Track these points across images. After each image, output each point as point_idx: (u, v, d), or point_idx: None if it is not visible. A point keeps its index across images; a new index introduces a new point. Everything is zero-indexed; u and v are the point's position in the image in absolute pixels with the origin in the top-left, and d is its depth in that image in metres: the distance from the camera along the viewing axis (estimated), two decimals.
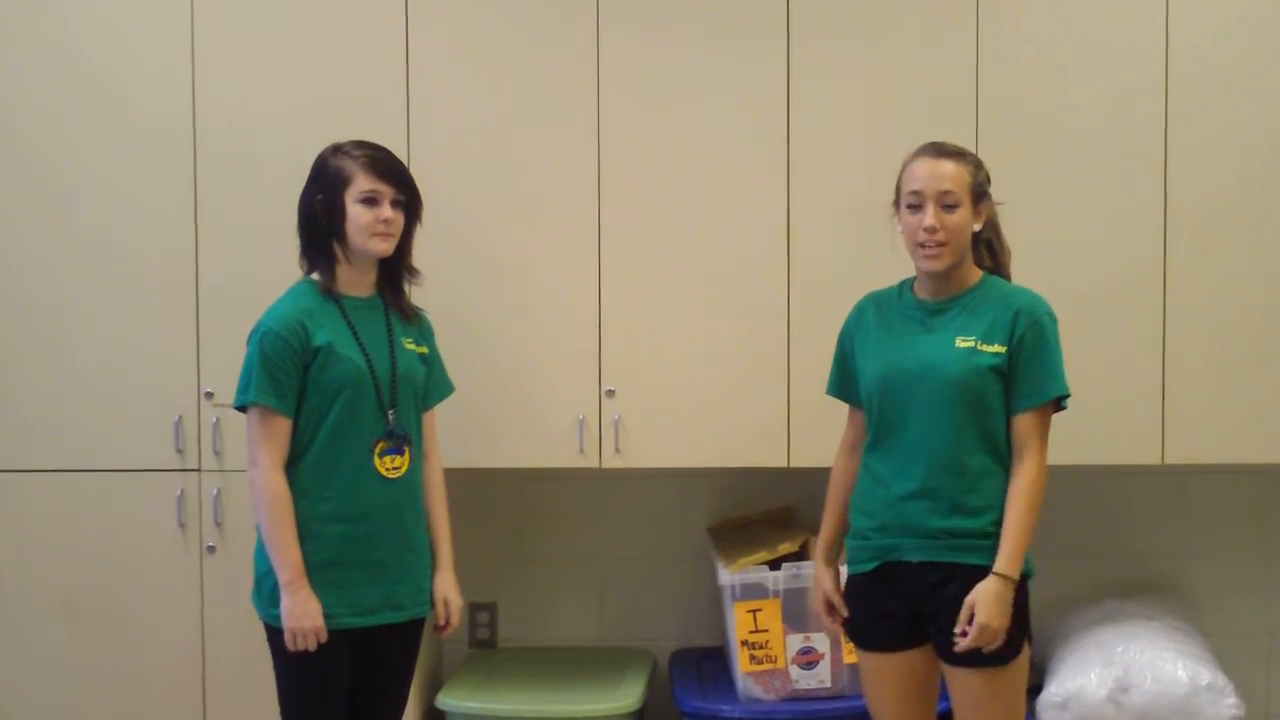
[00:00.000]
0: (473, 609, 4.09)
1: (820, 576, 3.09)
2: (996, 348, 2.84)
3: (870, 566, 2.94)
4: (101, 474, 3.65)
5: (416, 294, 3.28)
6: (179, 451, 3.65)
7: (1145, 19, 3.60)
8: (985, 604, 2.76)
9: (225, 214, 3.64)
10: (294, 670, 2.97)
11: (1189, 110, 3.60)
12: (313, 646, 2.90)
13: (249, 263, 3.60)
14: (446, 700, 3.65)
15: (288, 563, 2.90)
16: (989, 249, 2.98)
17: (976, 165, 2.92)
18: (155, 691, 3.67)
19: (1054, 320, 2.88)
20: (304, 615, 2.89)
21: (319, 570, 2.94)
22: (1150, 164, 3.60)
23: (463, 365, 3.39)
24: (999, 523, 2.83)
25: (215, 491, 3.65)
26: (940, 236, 2.85)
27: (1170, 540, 4.06)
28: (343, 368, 2.96)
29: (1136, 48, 3.61)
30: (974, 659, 2.81)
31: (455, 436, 3.44)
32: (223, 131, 3.63)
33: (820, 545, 3.12)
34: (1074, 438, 3.36)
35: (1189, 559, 4.05)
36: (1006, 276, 2.99)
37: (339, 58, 3.63)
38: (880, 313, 3.02)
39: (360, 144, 3.06)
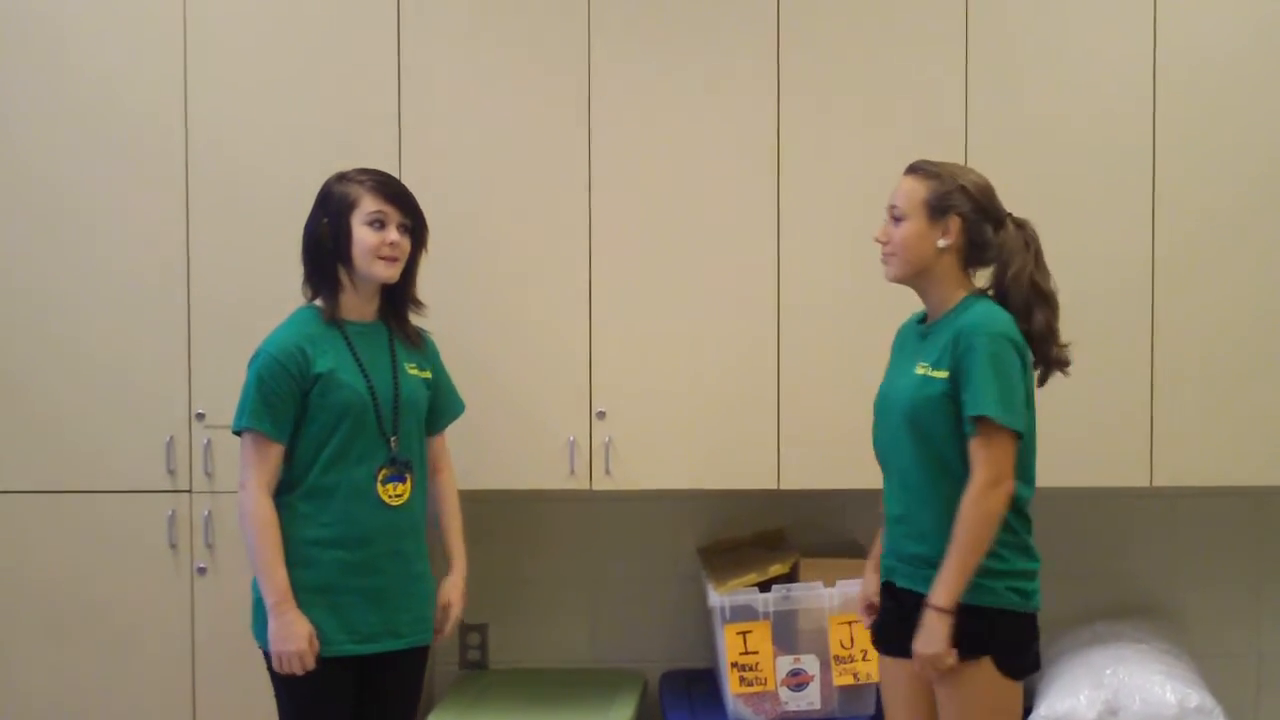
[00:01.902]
0: (463, 630, 4.09)
1: (865, 580, 3.13)
2: (941, 373, 2.82)
3: (885, 580, 3.02)
4: (92, 495, 3.65)
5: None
6: (170, 472, 3.65)
7: (1133, 38, 3.62)
8: (918, 633, 2.81)
9: (217, 235, 3.64)
10: (296, 700, 2.95)
11: (1176, 132, 3.62)
12: (298, 670, 2.89)
13: (241, 284, 3.61)
14: None
15: (273, 586, 2.90)
16: (1000, 269, 2.90)
17: (940, 181, 2.88)
18: (145, 712, 3.66)
19: (994, 339, 2.76)
20: (289, 638, 2.89)
21: (317, 594, 2.93)
22: (1137, 185, 3.62)
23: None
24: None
25: (206, 513, 3.65)
26: (888, 248, 2.92)
27: (1159, 563, 4.07)
28: (344, 394, 2.96)
29: (1124, 68, 3.63)
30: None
31: None
32: (214, 152, 3.64)
33: (872, 553, 3.13)
34: (1062, 460, 3.37)
35: (1178, 581, 4.06)
36: (1003, 299, 2.89)
37: (331, 78, 3.64)
38: (902, 337, 3.05)
39: (366, 170, 3.08)
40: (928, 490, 2.86)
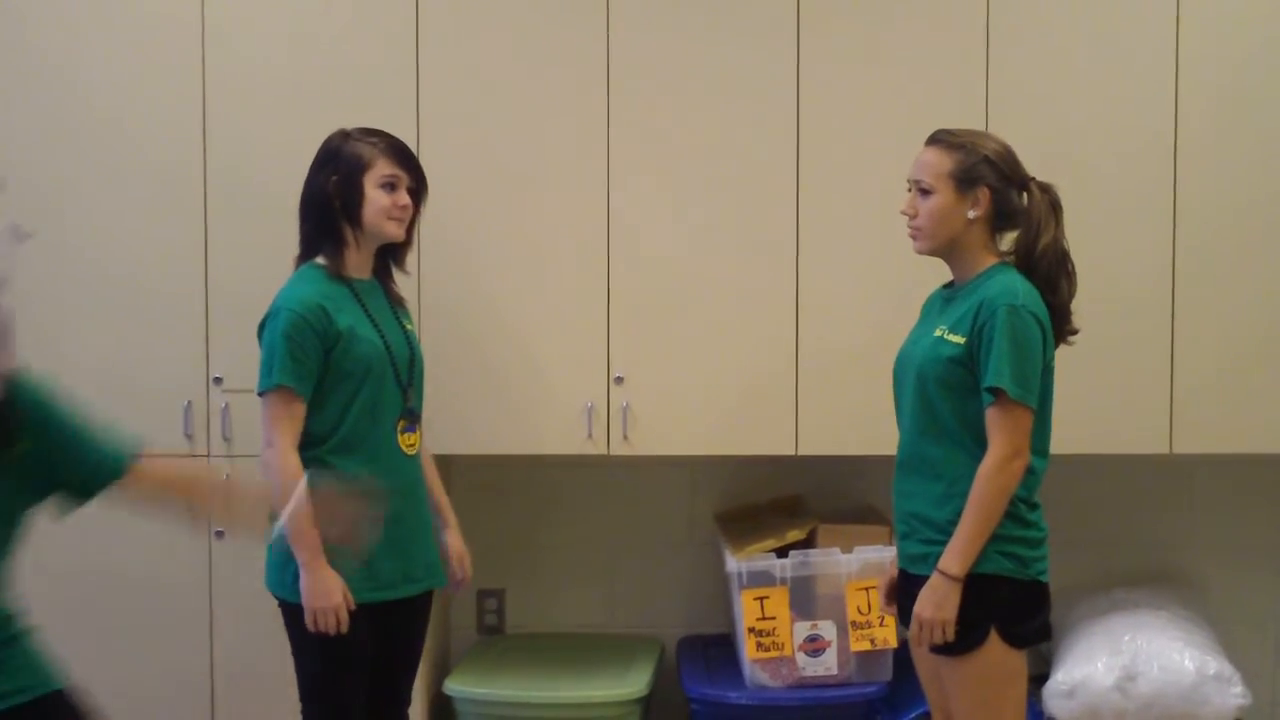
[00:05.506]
0: (480, 595, 4.10)
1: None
2: (958, 338, 2.79)
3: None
4: None
5: (429, 278, 3.26)
6: (188, 437, 3.66)
7: (1154, 15, 3.59)
8: (920, 595, 2.77)
9: (233, 201, 3.64)
10: (317, 648, 2.96)
11: (1199, 102, 3.59)
12: (332, 627, 2.90)
13: (257, 248, 3.59)
14: (454, 686, 3.66)
15: (305, 543, 2.89)
16: (1029, 237, 2.85)
17: (967, 152, 2.83)
18: (163, 672, 3.69)
19: (1016, 311, 2.72)
20: (324, 593, 2.89)
21: (344, 548, 2.92)
22: (1160, 153, 3.59)
23: (472, 351, 3.40)
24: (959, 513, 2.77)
25: (224, 477, 3.65)
26: (916, 222, 2.88)
27: (1178, 530, 4.06)
28: (365, 349, 2.98)
29: (1147, 41, 3.59)
30: (934, 645, 2.79)
31: (464, 423, 3.46)
32: (231, 123, 3.64)
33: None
34: (1082, 427, 3.36)
35: (1196, 548, 4.05)
36: (1029, 268, 2.84)
37: (345, 42, 3.64)
38: (930, 302, 3.02)
39: (371, 131, 3.08)
40: (925, 451, 2.84)
